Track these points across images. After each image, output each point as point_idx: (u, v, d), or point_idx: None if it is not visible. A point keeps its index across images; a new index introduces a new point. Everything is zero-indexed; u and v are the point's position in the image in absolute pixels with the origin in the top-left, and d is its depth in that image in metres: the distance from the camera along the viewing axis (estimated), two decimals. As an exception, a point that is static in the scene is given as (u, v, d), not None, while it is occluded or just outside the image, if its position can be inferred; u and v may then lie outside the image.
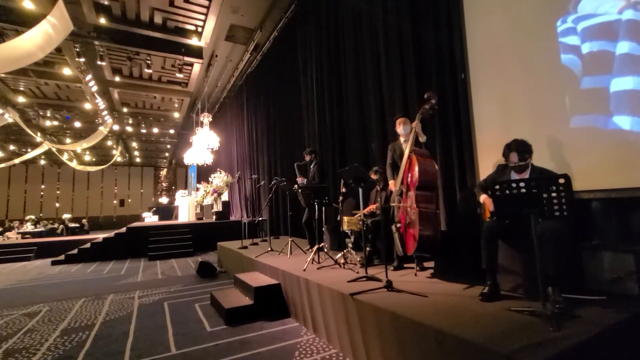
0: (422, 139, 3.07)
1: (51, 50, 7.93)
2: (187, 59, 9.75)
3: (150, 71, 9.67)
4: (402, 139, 3.36)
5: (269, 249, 4.97)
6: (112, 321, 3.68)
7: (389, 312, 2.08)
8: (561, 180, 1.74)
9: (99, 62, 8.90)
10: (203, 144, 11.76)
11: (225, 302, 3.62)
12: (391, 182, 3.34)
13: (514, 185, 1.88)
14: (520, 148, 2.32)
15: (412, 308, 2.11)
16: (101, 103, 11.67)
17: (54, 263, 8.07)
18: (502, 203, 1.94)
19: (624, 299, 2.06)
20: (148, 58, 9.13)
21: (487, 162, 3.48)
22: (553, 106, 2.92)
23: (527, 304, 2.03)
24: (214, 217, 10.59)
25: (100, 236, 9.31)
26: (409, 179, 3.04)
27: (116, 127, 15.21)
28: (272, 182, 5.47)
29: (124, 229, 8.98)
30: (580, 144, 2.73)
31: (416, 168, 2.90)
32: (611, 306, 1.97)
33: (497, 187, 1.91)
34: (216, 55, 9.96)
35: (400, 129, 3.37)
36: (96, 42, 8.74)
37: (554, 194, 1.78)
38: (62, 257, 8.22)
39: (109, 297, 4.75)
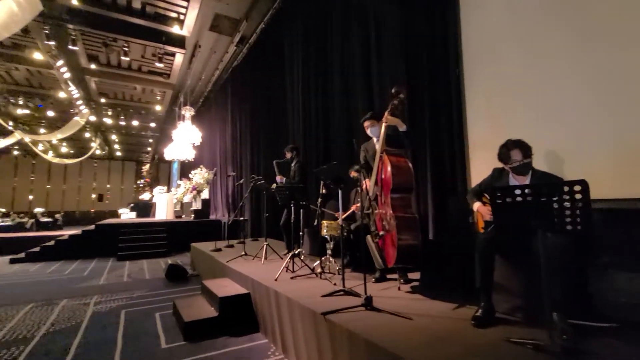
0: (402, 127, 2.74)
1: (17, 30, 7.32)
2: (169, 48, 9.25)
3: (127, 59, 9.11)
4: (374, 140, 3.05)
5: (243, 252, 4.58)
6: (55, 333, 3.23)
7: (365, 340, 1.73)
8: (577, 188, 1.42)
9: (70, 47, 8.29)
10: (185, 139, 11.24)
11: (186, 313, 3.22)
12: (366, 181, 3.02)
13: (518, 191, 1.56)
14: (521, 144, 2.02)
15: (393, 335, 1.76)
16: (76, 92, 11.01)
17: (12, 261, 7.44)
18: (505, 213, 1.62)
19: (637, 327, 1.77)
20: (125, 45, 8.57)
21: (479, 164, 3.19)
22: (552, 106, 2.63)
23: (528, 332, 1.72)
24: (192, 215, 10.08)
25: (66, 233, 8.70)
26: (382, 182, 2.71)
27: (93, 118, 14.46)
28: (250, 181, 5.07)
29: (92, 226, 8.40)
30: (582, 147, 2.44)
31: (389, 169, 2.59)
32: (627, 337, 1.68)
33: (499, 193, 1.58)
34: (199, 46, 9.47)
35: (368, 132, 3.06)
36: (69, 26, 8.16)
37: (566, 204, 1.47)
38: (22, 254, 7.59)
39: (61, 302, 4.27)
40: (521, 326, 1.86)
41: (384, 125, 2.72)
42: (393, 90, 2.68)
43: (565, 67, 2.55)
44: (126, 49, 8.59)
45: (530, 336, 1.63)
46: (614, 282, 1.88)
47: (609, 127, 2.31)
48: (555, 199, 1.49)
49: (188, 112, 10.96)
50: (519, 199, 1.56)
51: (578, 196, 1.43)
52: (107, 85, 12.34)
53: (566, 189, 1.45)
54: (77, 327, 3.38)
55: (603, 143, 2.32)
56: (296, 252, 3.52)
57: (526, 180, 2.06)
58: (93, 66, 10.56)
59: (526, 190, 1.54)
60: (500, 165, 2.28)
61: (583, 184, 1.41)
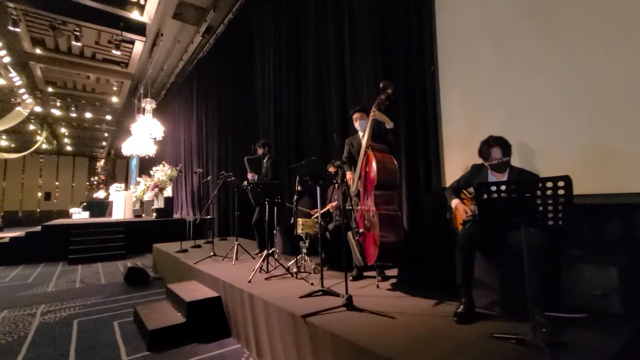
0: (390, 125, 2.72)
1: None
2: (127, 34, 8.58)
3: (79, 44, 8.33)
4: (360, 134, 3.00)
5: (212, 253, 4.34)
6: (-7, 350, 2.84)
7: (350, 342, 1.66)
8: (560, 183, 1.44)
9: (11, 28, 7.42)
10: (145, 133, 10.54)
11: (150, 320, 2.97)
12: (348, 173, 2.98)
13: (503, 187, 1.56)
14: (502, 142, 2.05)
15: (378, 335, 1.71)
16: (18, 79, 9.91)
17: (-60, 269, 6.54)
18: (489, 208, 1.61)
19: (607, 317, 1.86)
20: (77, 29, 7.83)
21: (453, 161, 3.25)
22: (525, 105, 2.73)
23: (509, 326, 1.75)
24: (154, 214, 9.50)
25: (7, 235, 7.82)
26: (366, 178, 2.68)
27: (39, 109, 13.14)
28: (219, 177, 4.82)
29: (38, 228, 7.61)
30: (552, 145, 2.55)
31: (374, 165, 2.55)
32: (595, 327, 1.75)
33: (485, 189, 1.57)
34: (162, 34, 8.89)
35: (357, 124, 3.02)
36: (9, 4, 7.29)
37: (549, 200, 1.49)
38: (-48, 261, 6.70)
39: (0, 314, 3.78)
40: (501, 320, 1.89)
41: (370, 119, 2.67)
42: (381, 85, 2.65)
43: (537, 67, 2.64)
44: (77, 33, 7.84)
45: (511, 331, 1.64)
46: (581, 274, 1.97)
47: (578, 125, 2.42)
48: (538, 194, 1.50)
49: (149, 104, 10.29)
50: (503, 194, 1.56)
51: (561, 192, 1.45)
52: (56, 73, 11.22)
53: (550, 184, 1.46)
54: (21, 341, 3.00)
55: (573, 140, 2.43)
56: (270, 252, 3.38)
57: (504, 177, 2.09)
58: (38, 51, 9.54)
59: (511, 187, 1.55)
60: (479, 161, 2.30)
61: (566, 179, 1.43)
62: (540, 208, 1.52)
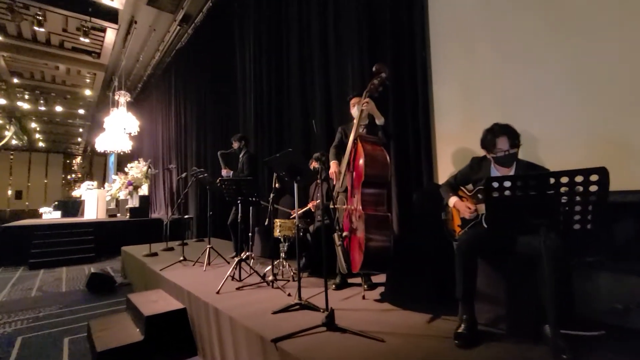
0: (380, 120, 2.42)
1: None
2: (97, 21, 7.98)
3: (42, 30, 7.69)
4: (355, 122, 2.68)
5: (182, 257, 3.93)
6: None
7: (329, 377, 1.32)
8: (593, 177, 1.14)
9: (-36, 10, 6.74)
10: (119, 128, 9.93)
11: (101, 339, 2.55)
12: (333, 163, 2.65)
13: (519, 183, 1.24)
14: (509, 131, 1.75)
15: (363, 366, 1.38)
16: (-23, 68, 9.14)
17: None
18: (501, 209, 1.30)
19: (629, 335, 1.58)
20: (39, 12, 7.19)
21: (446, 155, 2.96)
22: (525, 94, 2.45)
23: (520, 350, 1.45)
24: (128, 214, 8.95)
25: (-39, 238, 7.13)
26: (353, 173, 2.35)
27: (3, 102, 12.28)
28: (191, 174, 4.40)
29: (-4, 229, 6.98)
30: (555, 139, 2.28)
31: (361, 159, 2.22)
32: (620, 347, 1.48)
33: (497, 184, 1.25)
34: (135, 22, 8.33)
35: (354, 110, 2.69)
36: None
37: (577, 198, 1.18)
38: None
39: None
40: (509, 341, 1.58)
41: (362, 108, 2.36)
42: (374, 69, 2.36)
43: (537, 59, 2.39)
44: (40, 18, 7.20)
45: (526, 356, 1.35)
46: (597, 284, 1.69)
47: (581, 118, 2.18)
48: (564, 191, 1.19)
49: (123, 97, 9.68)
50: (518, 192, 1.25)
51: (593, 188, 1.15)
52: (21, 63, 10.44)
53: (580, 179, 1.15)
54: (-55, 366, 2.54)
55: (576, 134, 2.18)
56: (243, 257, 3.01)
57: (510, 171, 1.79)
58: (0, 38, 8.81)
59: (531, 182, 1.24)
60: (475, 154, 2.01)
61: (602, 172, 1.13)
62: (565, 208, 1.21)
